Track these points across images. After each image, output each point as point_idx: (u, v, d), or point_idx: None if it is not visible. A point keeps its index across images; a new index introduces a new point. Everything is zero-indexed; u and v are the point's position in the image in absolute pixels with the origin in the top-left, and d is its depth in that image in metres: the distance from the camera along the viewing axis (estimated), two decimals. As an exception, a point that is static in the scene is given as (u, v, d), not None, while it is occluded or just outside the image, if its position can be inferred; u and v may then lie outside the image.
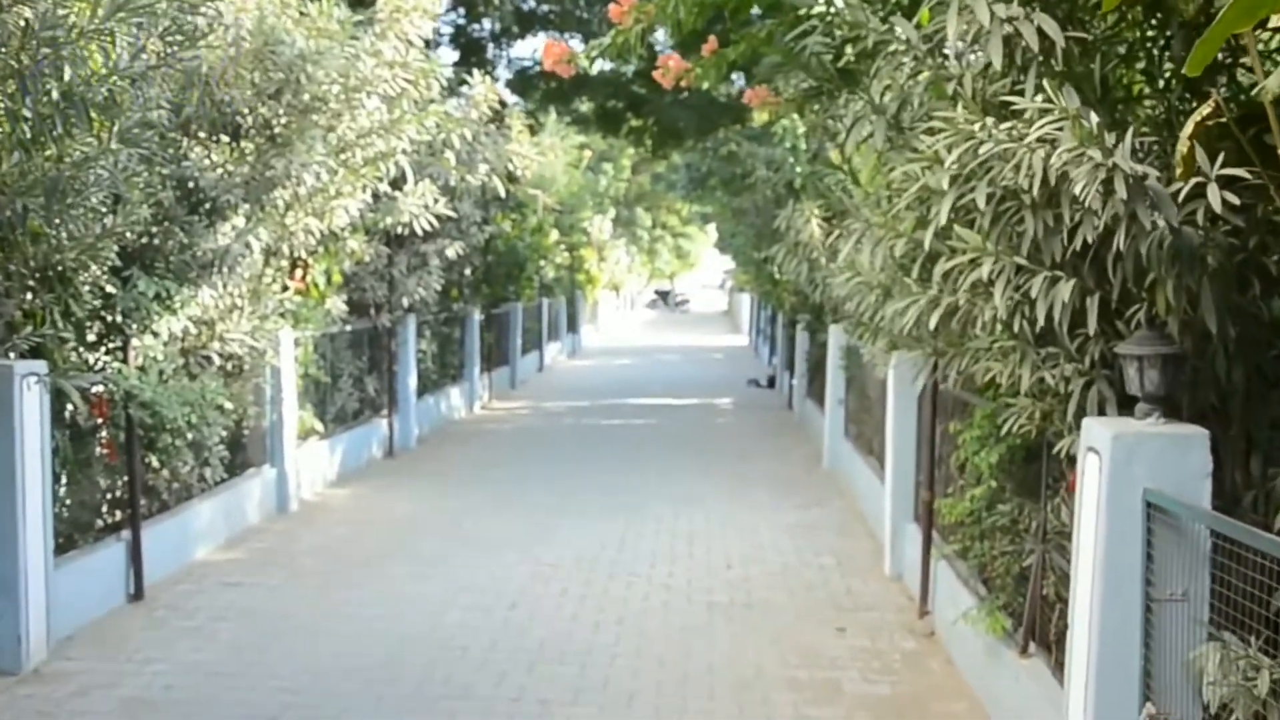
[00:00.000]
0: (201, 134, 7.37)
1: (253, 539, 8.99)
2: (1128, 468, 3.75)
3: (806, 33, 4.79)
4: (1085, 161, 3.36)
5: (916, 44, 4.48)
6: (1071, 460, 4.53)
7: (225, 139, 7.56)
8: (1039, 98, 3.66)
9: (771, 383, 21.87)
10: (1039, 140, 3.58)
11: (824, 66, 4.80)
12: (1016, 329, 4.32)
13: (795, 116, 13.59)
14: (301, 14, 7.88)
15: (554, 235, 24.53)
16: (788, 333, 19.09)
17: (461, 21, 17.69)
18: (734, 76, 19.09)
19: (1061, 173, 3.57)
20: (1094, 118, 3.42)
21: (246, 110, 7.43)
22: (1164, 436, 3.75)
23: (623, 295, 51.28)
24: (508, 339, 21.12)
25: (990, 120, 3.71)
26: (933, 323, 4.57)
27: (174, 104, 6.67)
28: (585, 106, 20.27)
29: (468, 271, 16.28)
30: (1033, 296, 4.01)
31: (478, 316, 17.74)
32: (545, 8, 17.33)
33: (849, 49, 4.76)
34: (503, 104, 12.27)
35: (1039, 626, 5.25)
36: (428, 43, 9.60)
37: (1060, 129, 3.54)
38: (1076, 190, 3.39)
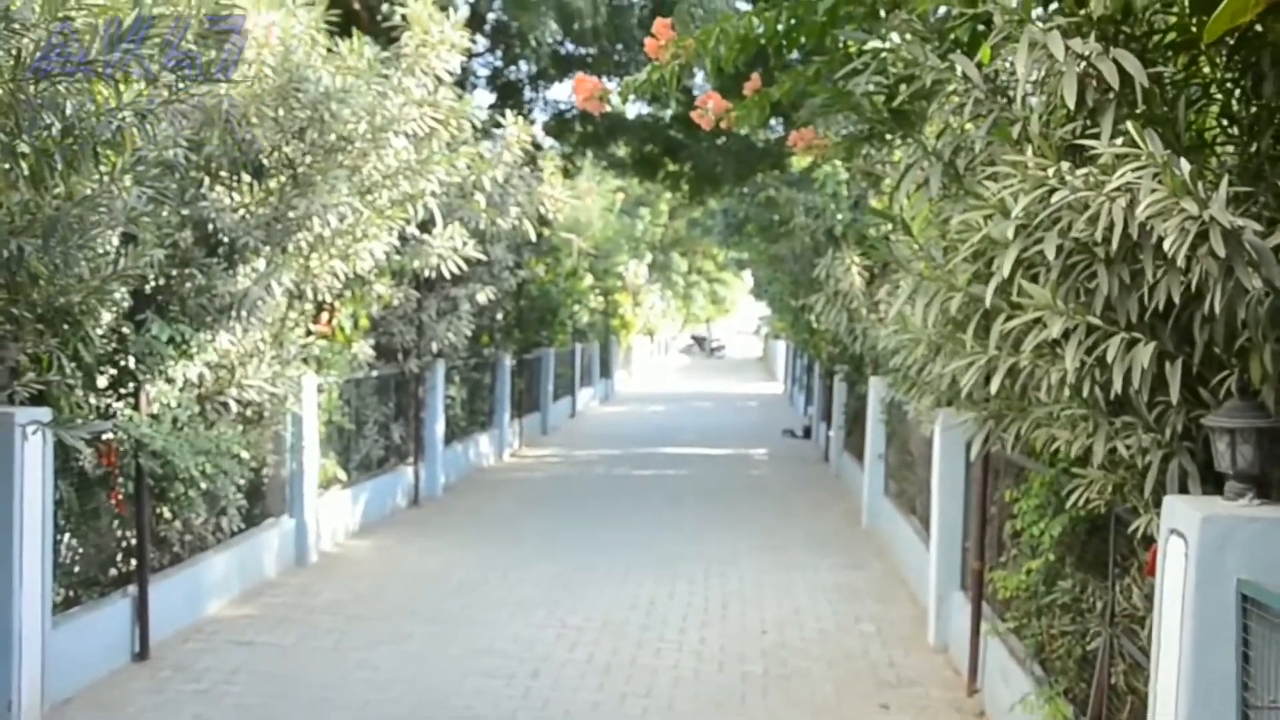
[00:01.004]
0: (222, 173, 7.12)
1: (268, 593, 8.66)
2: (1219, 555, 3.33)
3: (857, 71, 4.45)
4: (1176, 213, 2.98)
5: (978, 83, 4.14)
6: (1147, 540, 4.12)
7: (247, 178, 7.31)
8: (1118, 141, 3.30)
9: (807, 433, 21.41)
10: (1119, 189, 3.21)
11: (876, 107, 4.46)
12: (1087, 395, 3.93)
13: (837, 163, 13.32)
14: (330, 51, 7.66)
15: (589, 280, 24.30)
16: (825, 383, 18.65)
17: (499, 64, 17.56)
18: (773, 122, 18.89)
19: (1144, 225, 3.21)
20: (1185, 165, 3.04)
21: (269, 149, 7.18)
22: (1261, 521, 3.33)
23: (657, 340, 51.00)
24: (539, 385, 20.81)
25: (1065, 165, 3.33)
26: (994, 386, 4.18)
27: (193, 142, 6.42)
28: (622, 151, 20.08)
29: (499, 316, 16.01)
30: (1108, 360, 3.62)
31: (509, 362, 17.45)
32: (582, 51, 17.16)
33: (903, 89, 4.41)
34: (537, 146, 12.03)
35: (1106, 718, 4.80)
36: (461, 83, 9.39)
37: (1141, 176, 3.18)
38: (1166, 245, 3.01)
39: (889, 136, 4.62)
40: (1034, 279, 3.96)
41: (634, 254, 34.95)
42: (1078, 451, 4.05)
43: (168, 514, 7.41)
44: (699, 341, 62.43)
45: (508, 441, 17.72)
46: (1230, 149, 4.24)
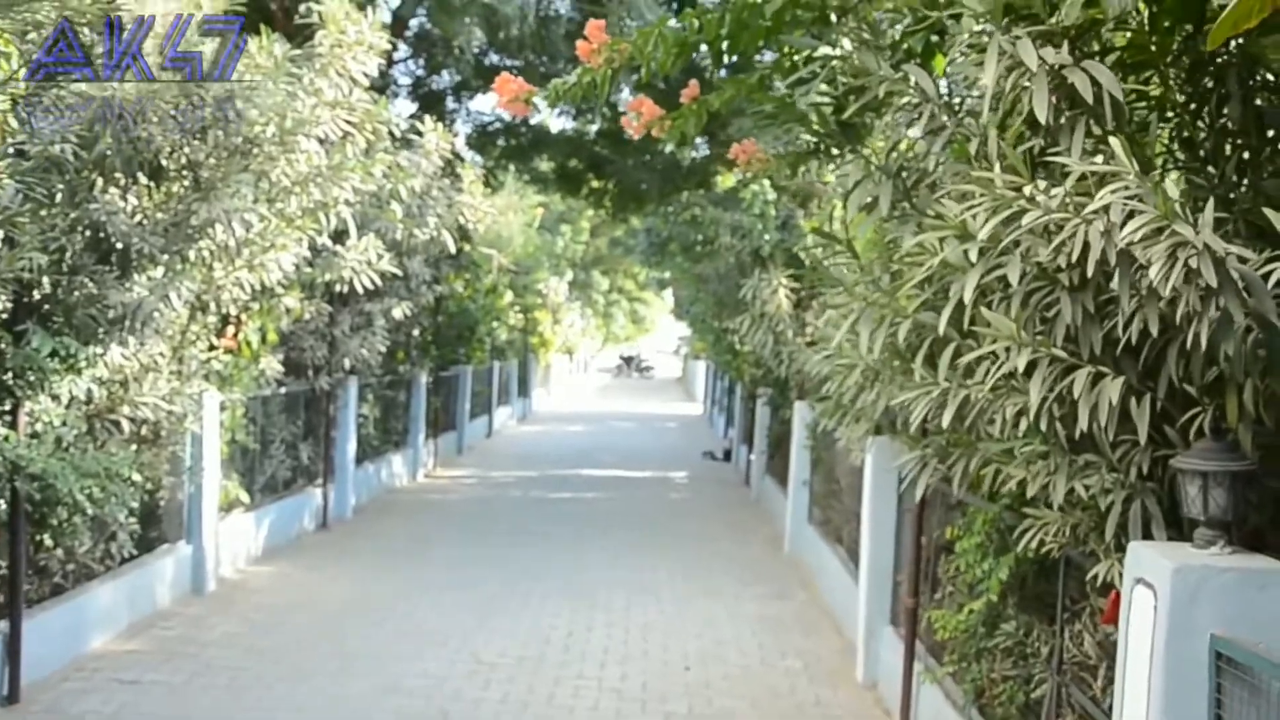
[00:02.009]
0: (116, 174, 6.59)
1: (160, 625, 8.07)
2: (1191, 608, 3.09)
3: (804, 80, 4.17)
4: (1166, 237, 2.73)
5: (932, 96, 3.87)
6: (1105, 586, 3.88)
7: (144, 180, 6.80)
8: (1097, 159, 3.05)
9: (727, 456, 21.16)
10: (1098, 210, 2.95)
11: (823, 120, 4.17)
12: (1045, 429, 3.68)
13: (765, 182, 13.12)
14: (237, 47, 7.18)
15: (508, 296, 23.85)
16: (747, 405, 18.42)
17: (421, 73, 17.10)
18: (699, 140, 18.67)
19: (1122, 251, 2.97)
20: (1172, 186, 2.79)
21: (168, 149, 6.68)
22: (1237, 572, 3.09)
23: (577, 359, 50.57)
24: (456, 403, 20.27)
25: (1043, 184, 3.07)
26: (945, 420, 3.90)
27: (83, 138, 5.93)
28: (545, 166, 19.71)
29: (416, 332, 15.51)
30: (1074, 395, 3.36)
31: (425, 379, 16.94)
32: (508, 62, 16.78)
33: (852, 100, 4.13)
34: (457, 156, 11.61)
35: (1053, 771, 4.55)
36: (382, 90, 8.99)
37: (1125, 197, 2.93)
38: (1153, 272, 2.75)
39: (835, 151, 4.33)
40: (987, 306, 3.70)
41: (554, 271, 34.58)
42: (1034, 491, 3.79)
43: (48, 541, 6.84)
44: (628, 361, 61.61)
45: (422, 461, 17.17)
46: (1175, 175, 4.03)
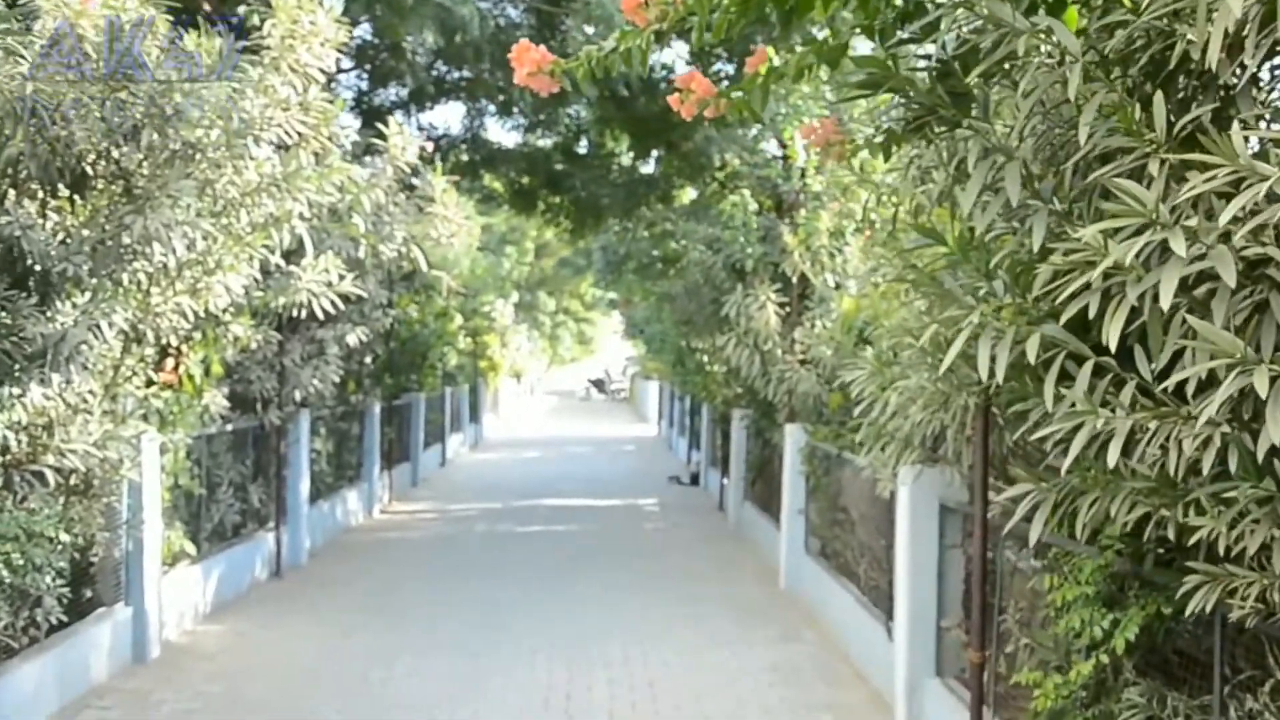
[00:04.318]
0: (31, 183, 5.59)
1: (96, 706, 6.98)
2: None
3: (906, 41, 3.33)
4: None
5: (1076, 54, 3.06)
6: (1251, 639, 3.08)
7: (65, 190, 5.79)
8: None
9: (695, 480, 20.32)
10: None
11: (933, 88, 3.33)
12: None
13: (745, 192, 12.34)
14: (172, 42, 6.21)
15: (458, 320, 22.88)
16: (718, 428, 17.62)
17: (363, 86, 16.08)
18: (654, 153, 17.82)
19: None
20: None
21: (94, 154, 5.68)
22: None
23: (525, 382, 49.53)
24: (409, 433, 19.23)
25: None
26: (1112, 456, 3.07)
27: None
28: (498, 183, 18.75)
29: (368, 360, 14.48)
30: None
31: (378, 409, 15.91)
32: (457, 75, 15.84)
33: (966, 62, 3.31)
34: (426, 159, 10.69)
35: None
36: (329, 85, 8.05)
37: None
38: None
39: (939, 128, 3.49)
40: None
41: (501, 293, 33.65)
42: (1238, 544, 2.97)
43: (-43, 620, 5.81)
44: (598, 384, 59.79)
45: (377, 496, 16.12)
46: None
